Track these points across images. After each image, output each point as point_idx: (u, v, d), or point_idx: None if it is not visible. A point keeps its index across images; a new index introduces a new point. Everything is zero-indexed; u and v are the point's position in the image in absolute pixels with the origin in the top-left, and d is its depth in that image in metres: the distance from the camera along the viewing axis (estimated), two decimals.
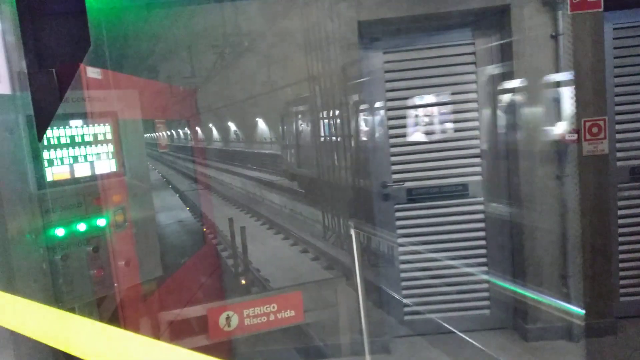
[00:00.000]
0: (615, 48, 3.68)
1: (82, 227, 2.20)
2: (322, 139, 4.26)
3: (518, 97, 3.60)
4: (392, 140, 3.80)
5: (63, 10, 1.66)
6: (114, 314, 2.48)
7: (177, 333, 2.88)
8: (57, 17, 1.66)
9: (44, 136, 2.06)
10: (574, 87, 3.46)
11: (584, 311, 3.56)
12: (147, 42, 3.74)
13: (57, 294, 2.15)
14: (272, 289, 4.46)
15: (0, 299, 1.57)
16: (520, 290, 3.76)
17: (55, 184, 2.11)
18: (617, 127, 3.74)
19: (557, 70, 3.47)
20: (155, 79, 3.89)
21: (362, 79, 3.70)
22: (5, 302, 1.55)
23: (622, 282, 3.87)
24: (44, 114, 1.57)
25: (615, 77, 3.70)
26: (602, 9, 3.42)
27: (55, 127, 2.08)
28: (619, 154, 3.77)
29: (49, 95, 1.57)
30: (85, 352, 1.23)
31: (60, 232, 2.11)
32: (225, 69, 4.08)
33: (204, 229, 4.38)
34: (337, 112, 3.93)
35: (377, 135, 3.81)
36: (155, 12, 3.61)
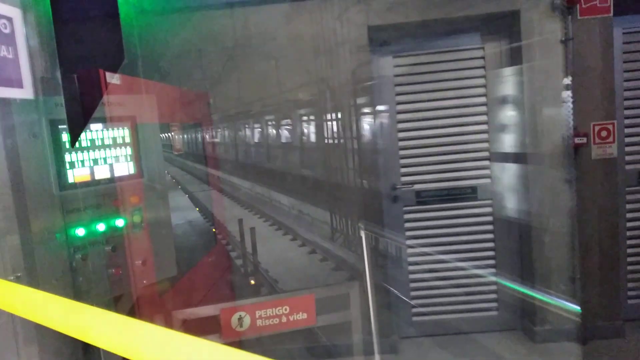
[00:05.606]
0: (624, 52, 3.71)
1: (101, 227, 2.26)
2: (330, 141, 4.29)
3: (527, 101, 3.62)
4: (402, 143, 3.84)
5: (97, 17, 1.71)
6: (130, 312, 2.54)
7: (190, 332, 2.93)
8: (90, 23, 1.71)
9: (62, 139, 2.12)
10: (582, 91, 3.49)
11: (581, 310, 3.58)
12: (180, 46, 3.77)
13: (76, 292, 2.22)
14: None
15: (26, 295, 1.63)
16: (528, 292, 3.79)
17: (76, 185, 2.17)
18: (626, 130, 3.76)
19: (567, 75, 3.49)
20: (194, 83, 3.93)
21: (371, 82, 3.74)
22: (30, 297, 1.61)
23: (629, 284, 3.89)
24: (77, 119, 1.62)
25: (625, 81, 3.72)
26: (611, 14, 3.45)
27: None
28: (627, 158, 3.78)
29: (82, 100, 1.63)
30: (103, 342, 1.29)
31: (80, 232, 2.18)
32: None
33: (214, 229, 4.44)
34: (346, 115, 3.96)
35: (386, 138, 3.85)
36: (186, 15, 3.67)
